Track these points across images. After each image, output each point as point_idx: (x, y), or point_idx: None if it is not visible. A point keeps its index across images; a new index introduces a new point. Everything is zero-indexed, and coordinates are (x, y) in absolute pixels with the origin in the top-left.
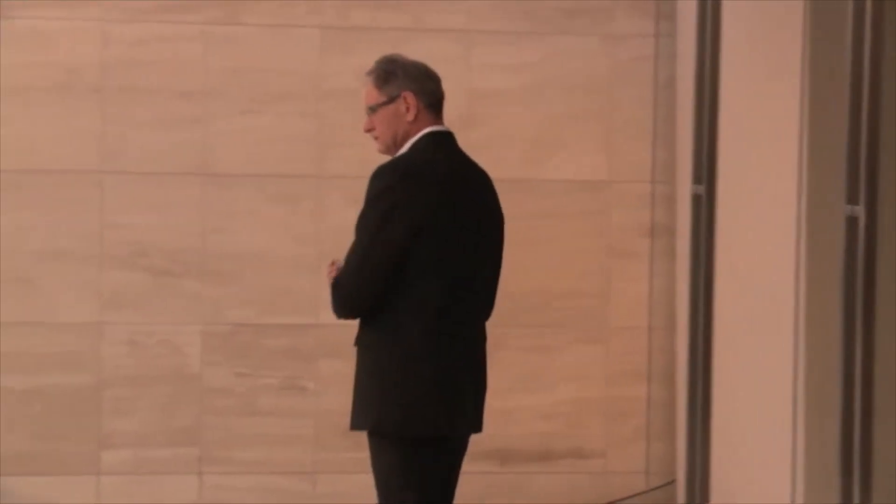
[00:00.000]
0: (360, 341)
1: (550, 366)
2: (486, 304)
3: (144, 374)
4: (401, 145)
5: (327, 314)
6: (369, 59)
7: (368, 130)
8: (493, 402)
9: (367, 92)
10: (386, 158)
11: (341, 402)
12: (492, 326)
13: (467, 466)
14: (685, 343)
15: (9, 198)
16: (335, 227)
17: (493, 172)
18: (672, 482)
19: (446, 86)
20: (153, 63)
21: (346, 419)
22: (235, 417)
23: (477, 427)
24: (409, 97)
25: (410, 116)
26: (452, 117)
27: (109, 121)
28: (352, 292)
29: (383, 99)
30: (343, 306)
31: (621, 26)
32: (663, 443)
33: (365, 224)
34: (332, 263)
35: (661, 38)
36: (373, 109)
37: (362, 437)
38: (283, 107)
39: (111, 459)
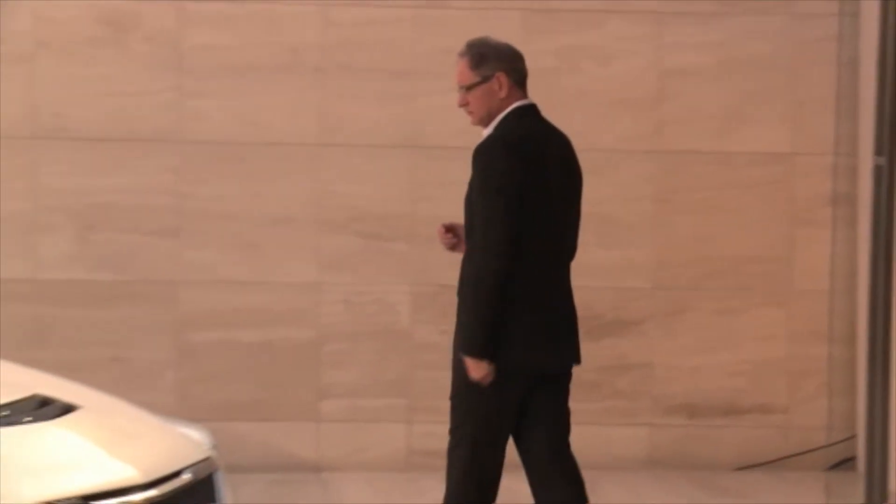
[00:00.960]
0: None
1: (736, 326)
2: (572, 248)
3: (359, 331)
4: (494, 118)
5: None
6: (567, 39)
7: (463, 105)
8: (682, 361)
9: (460, 72)
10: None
11: None
12: (681, 290)
13: (658, 419)
14: (866, 305)
15: (238, 168)
16: None
17: (682, 145)
18: (852, 437)
19: (638, 63)
20: (369, 43)
21: None
22: (441, 371)
23: (578, 359)
24: (502, 77)
25: (503, 93)
26: (644, 93)
27: (328, 97)
28: (505, 250)
29: (478, 79)
30: (499, 263)
31: (807, 6)
32: (844, 400)
33: (485, 193)
34: (446, 228)
35: (845, 17)
36: (468, 88)
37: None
38: None
39: (329, 408)
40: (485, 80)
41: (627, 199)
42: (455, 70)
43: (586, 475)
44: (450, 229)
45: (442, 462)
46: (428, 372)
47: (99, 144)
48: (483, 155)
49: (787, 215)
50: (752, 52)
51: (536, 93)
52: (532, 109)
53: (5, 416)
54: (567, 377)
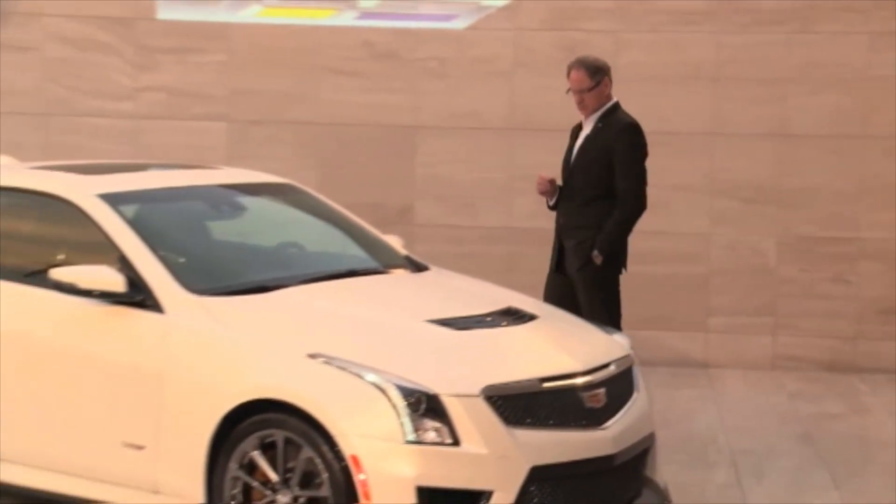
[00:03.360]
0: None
1: None
2: None
3: (737, 269)
4: (599, 110)
5: (867, 229)
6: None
7: (579, 103)
8: None
9: (579, 79)
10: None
11: (877, 292)
12: None
13: None
14: None
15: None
16: (875, 174)
17: None
18: None
19: None
20: (750, 59)
21: (882, 304)
22: (798, 299)
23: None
24: (607, 80)
25: (608, 91)
26: None
27: (719, 100)
28: (644, 197)
29: (594, 83)
30: (642, 206)
31: None
32: None
33: (634, 158)
34: (549, 181)
35: None
36: (589, 90)
37: (892, 316)
38: (838, 89)
39: (714, 322)
40: (597, 84)
41: None
42: (571, 78)
43: None
44: (549, 180)
45: (797, 364)
46: (788, 299)
47: (552, 133)
48: (631, 133)
49: None
50: None
51: (880, 95)
52: (619, 103)
53: (489, 321)
54: None
